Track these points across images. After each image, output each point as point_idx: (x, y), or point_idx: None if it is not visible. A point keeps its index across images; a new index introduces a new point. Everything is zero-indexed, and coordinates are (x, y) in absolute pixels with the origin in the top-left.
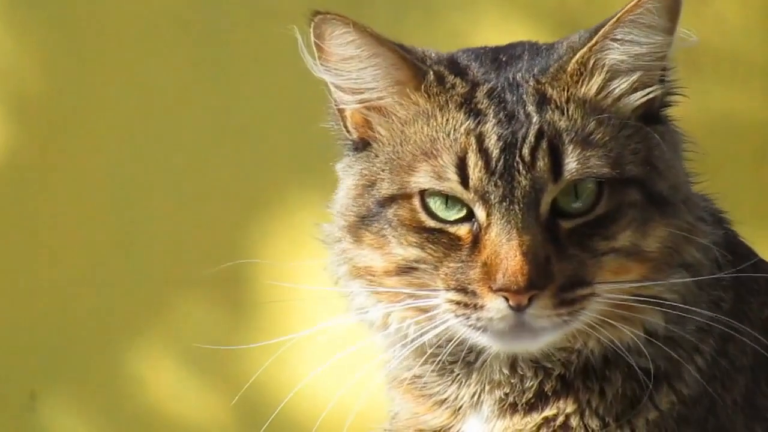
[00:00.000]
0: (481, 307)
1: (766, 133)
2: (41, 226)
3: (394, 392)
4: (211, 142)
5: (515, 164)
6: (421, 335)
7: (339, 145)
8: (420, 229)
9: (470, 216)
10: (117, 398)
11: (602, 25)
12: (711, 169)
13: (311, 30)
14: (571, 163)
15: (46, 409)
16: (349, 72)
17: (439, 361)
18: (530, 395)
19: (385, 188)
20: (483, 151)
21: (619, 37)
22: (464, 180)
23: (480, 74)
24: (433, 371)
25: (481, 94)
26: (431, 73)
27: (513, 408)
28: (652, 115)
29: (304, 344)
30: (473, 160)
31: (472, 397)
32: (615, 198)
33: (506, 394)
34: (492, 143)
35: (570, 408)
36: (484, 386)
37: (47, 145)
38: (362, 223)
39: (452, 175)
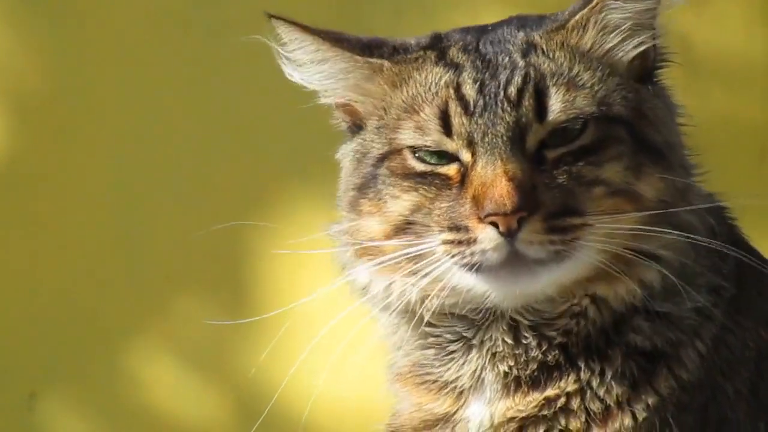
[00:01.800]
0: (474, 240)
1: (766, 133)
2: (41, 226)
3: (396, 386)
4: (211, 141)
5: (498, 102)
6: (422, 298)
7: (341, 134)
8: (412, 174)
9: (458, 158)
10: (116, 398)
11: None
12: (711, 169)
13: (279, 43)
14: (556, 104)
15: (45, 409)
16: (315, 75)
17: (439, 342)
18: (534, 366)
19: (377, 150)
20: (460, 98)
21: None
22: (447, 129)
23: (457, 38)
24: (432, 353)
25: (455, 49)
26: (386, 63)
27: (516, 383)
28: (647, 73)
29: (303, 344)
30: (453, 108)
31: (473, 375)
32: (600, 131)
33: (510, 368)
34: (468, 87)
35: (571, 387)
36: (485, 362)
37: (47, 144)
38: (360, 194)
39: (434, 126)
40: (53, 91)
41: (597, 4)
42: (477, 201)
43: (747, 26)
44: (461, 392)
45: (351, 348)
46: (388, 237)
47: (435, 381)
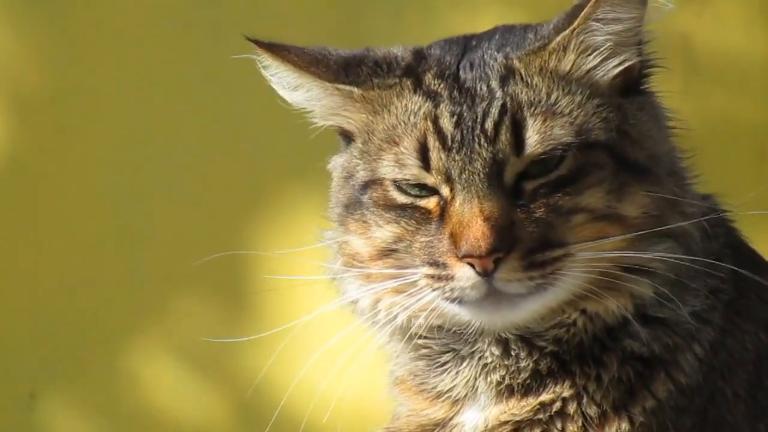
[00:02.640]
0: (452, 277)
1: (766, 133)
2: (41, 226)
3: (395, 391)
4: (210, 140)
5: (475, 137)
6: (409, 317)
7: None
8: (393, 206)
9: (437, 192)
10: (116, 398)
11: (581, 7)
12: (711, 169)
13: (264, 68)
14: (533, 137)
15: (45, 408)
16: (299, 95)
17: (430, 354)
18: (526, 375)
19: (361, 176)
20: (439, 132)
21: (601, 16)
22: (426, 163)
23: (434, 61)
24: (426, 366)
25: (431, 77)
26: (356, 91)
27: (510, 391)
28: (631, 85)
29: (301, 344)
30: (432, 142)
31: (467, 384)
32: (579, 158)
33: (502, 377)
34: (446, 122)
35: (567, 393)
36: (478, 372)
37: (47, 144)
38: (347, 212)
39: (413, 161)
40: (53, 90)
41: (578, 25)
42: (454, 239)
43: (747, 26)
44: (456, 400)
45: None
46: (373, 259)
47: (430, 390)
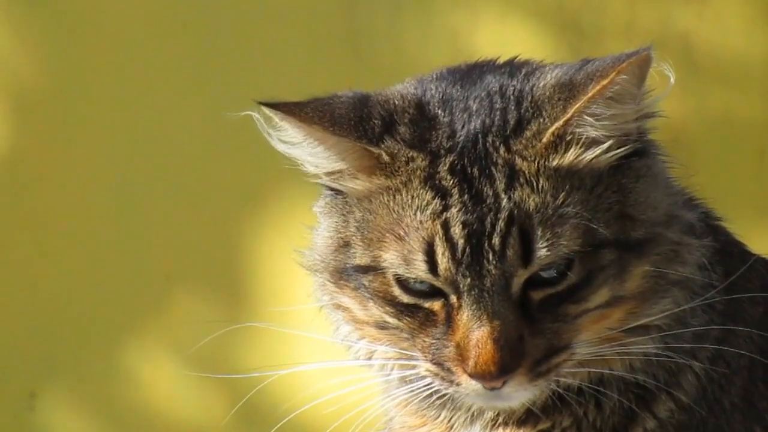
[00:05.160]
0: (458, 384)
1: (766, 133)
2: (40, 226)
3: (389, 403)
4: (210, 140)
5: (484, 253)
6: (405, 379)
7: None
8: (395, 303)
9: (443, 293)
10: (116, 398)
11: (574, 95)
12: (711, 169)
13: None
14: (542, 250)
15: (45, 408)
16: (304, 153)
17: (429, 397)
18: (521, 414)
19: (359, 257)
20: (449, 240)
21: (592, 112)
22: (433, 267)
23: (444, 138)
24: (424, 401)
25: (443, 169)
26: (384, 154)
27: (506, 423)
28: (631, 153)
29: (302, 344)
30: (440, 250)
31: (464, 420)
32: (587, 264)
33: (497, 415)
34: (457, 232)
35: (566, 422)
36: (474, 411)
37: (46, 144)
38: (341, 277)
39: (420, 263)
40: (52, 90)
41: (571, 117)
42: (462, 352)
43: (747, 26)
44: (452, 426)
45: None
46: (369, 325)
47: (425, 416)
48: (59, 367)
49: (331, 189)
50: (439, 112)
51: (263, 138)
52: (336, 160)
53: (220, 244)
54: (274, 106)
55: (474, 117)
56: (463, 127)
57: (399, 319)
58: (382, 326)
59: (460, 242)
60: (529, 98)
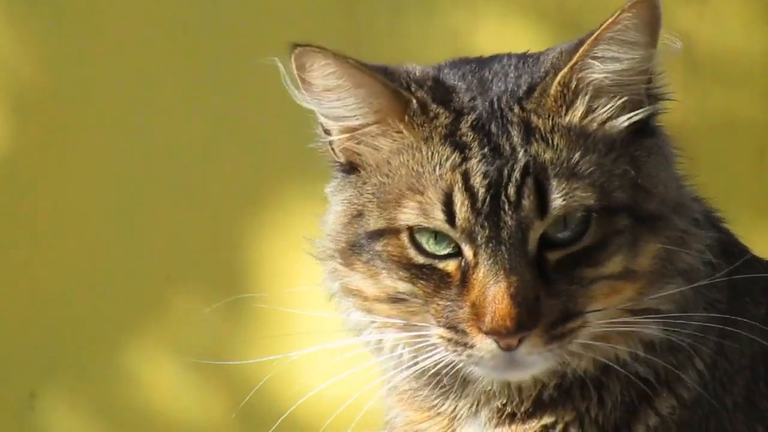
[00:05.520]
0: (472, 346)
1: (766, 133)
2: (40, 226)
3: (392, 399)
4: (210, 140)
5: (501, 204)
6: (415, 361)
7: (327, 166)
8: (409, 265)
9: (459, 252)
10: (116, 397)
11: (581, 43)
12: (711, 169)
13: (292, 61)
14: (557, 200)
15: (45, 408)
16: (332, 102)
17: (435, 378)
18: (528, 404)
19: (373, 222)
20: (469, 189)
21: (599, 54)
22: (451, 218)
23: (465, 100)
24: (429, 388)
25: (465, 125)
26: (414, 101)
27: (512, 417)
28: (641, 129)
29: (301, 344)
30: (459, 199)
31: (470, 408)
32: (603, 227)
33: (503, 404)
34: (478, 181)
35: (569, 416)
36: (480, 397)
37: (46, 144)
38: (353, 251)
39: (438, 213)
40: (52, 90)
41: (577, 62)
42: (477, 311)
43: (747, 26)
44: (455, 417)
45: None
46: (380, 301)
47: (430, 408)
48: (59, 367)
49: (343, 167)
50: (458, 83)
51: (264, 138)
52: (364, 107)
53: (220, 244)
54: (309, 44)
55: (491, 86)
56: (481, 94)
57: (413, 284)
58: (394, 299)
59: (480, 191)
60: (541, 66)
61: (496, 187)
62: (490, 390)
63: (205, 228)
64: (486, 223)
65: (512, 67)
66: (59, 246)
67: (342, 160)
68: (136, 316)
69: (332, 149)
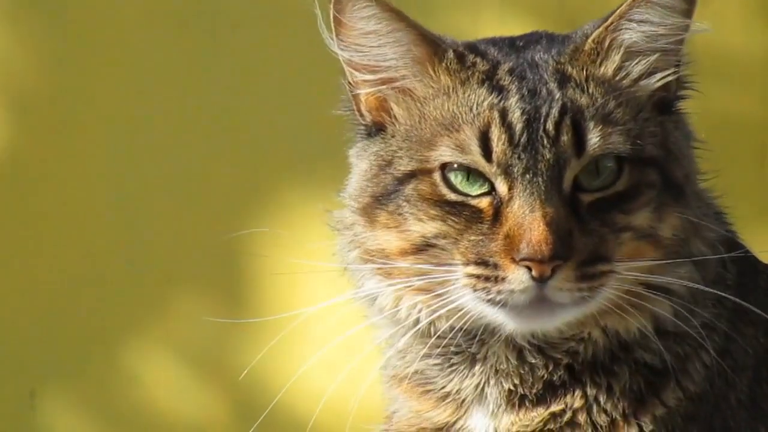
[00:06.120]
0: (503, 279)
1: (766, 133)
2: (40, 226)
3: (395, 391)
4: (210, 140)
5: (539, 138)
6: (433, 318)
7: (352, 131)
8: (441, 202)
9: (492, 190)
10: (116, 397)
11: (619, 6)
12: (711, 169)
13: (332, 4)
14: (594, 138)
15: (45, 407)
16: (368, 48)
17: (443, 353)
18: (540, 386)
19: (404, 165)
20: (507, 125)
21: (635, 17)
22: (487, 153)
23: (500, 55)
24: (435, 364)
25: (502, 71)
26: (451, 51)
27: (521, 401)
28: (667, 105)
29: (301, 343)
30: (496, 134)
31: (476, 388)
32: (635, 176)
33: (515, 386)
34: (516, 117)
35: (577, 403)
36: (489, 377)
37: (46, 144)
38: (378, 203)
39: (475, 147)
40: (52, 90)
41: (612, 23)
42: (512, 241)
43: (747, 26)
44: (462, 402)
45: (349, 348)
46: (403, 254)
47: (436, 391)
48: (59, 367)
49: (368, 129)
50: (491, 49)
51: (264, 138)
52: (401, 53)
53: (220, 244)
54: None
55: (523, 52)
56: (513, 53)
57: (444, 221)
58: (419, 248)
59: (518, 126)
60: (573, 36)
61: (534, 123)
62: (501, 369)
63: (205, 228)
64: (523, 155)
65: (543, 38)
66: (59, 246)
67: (368, 120)
68: (137, 316)
69: (359, 110)
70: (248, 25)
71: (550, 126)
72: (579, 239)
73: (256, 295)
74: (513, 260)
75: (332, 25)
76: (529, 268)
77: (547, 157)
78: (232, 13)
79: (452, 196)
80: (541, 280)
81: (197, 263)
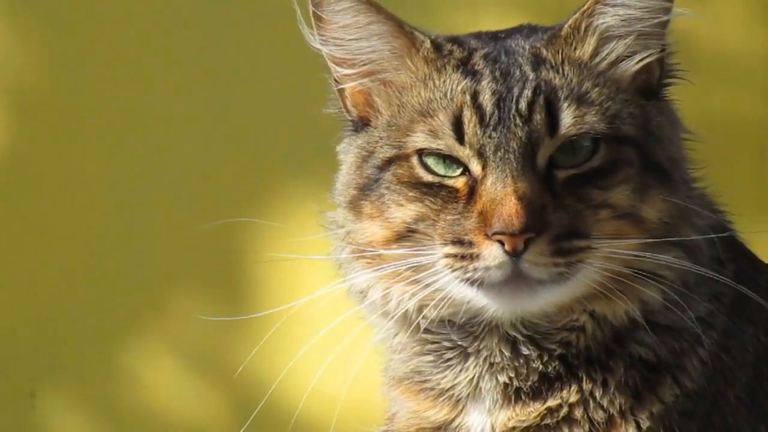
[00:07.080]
0: (477, 256)
1: (767, 132)
2: (40, 226)
3: (394, 392)
4: (210, 139)
5: (512, 117)
6: (419, 307)
7: (341, 129)
8: (419, 184)
9: (467, 171)
10: (116, 396)
11: None
12: (711, 169)
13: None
14: (567, 118)
15: (46, 407)
16: (347, 41)
17: (437, 349)
18: (535, 378)
19: (384, 152)
20: (477, 107)
21: (610, 1)
22: (460, 136)
23: (478, 44)
24: (429, 361)
25: (477, 56)
26: (428, 41)
27: (517, 394)
28: (652, 90)
29: (300, 342)
30: (468, 116)
31: (471, 383)
32: (611, 153)
33: (510, 379)
34: (486, 98)
35: (573, 398)
36: (483, 371)
37: (46, 143)
38: (362, 195)
39: (448, 131)
40: (52, 89)
41: (588, 8)
42: (484, 217)
43: (747, 26)
44: (459, 400)
45: (348, 347)
46: (388, 243)
47: (432, 389)
48: (59, 367)
49: (354, 125)
50: (471, 40)
51: (264, 138)
52: (379, 45)
53: (220, 244)
54: None
55: (503, 42)
56: (492, 42)
57: (421, 202)
58: (402, 235)
59: (489, 106)
60: (554, 27)
61: (505, 102)
62: (495, 362)
63: (205, 228)
64: (494, 134)
65: (525, 29)
66: (59, 246)
67: (354, 116)
68: (136, 315)
69: (345, 106)
70: (247, 25)
71: (522, 105)
72: (552, 214)
73: (255, 293)
74: (486, 236)
75: (312, 20)
76: (502, 243)
77: (519, 135)
78: (232, 13)
79: (429, 178)
80: (514, 254)
81: (196, 262)
